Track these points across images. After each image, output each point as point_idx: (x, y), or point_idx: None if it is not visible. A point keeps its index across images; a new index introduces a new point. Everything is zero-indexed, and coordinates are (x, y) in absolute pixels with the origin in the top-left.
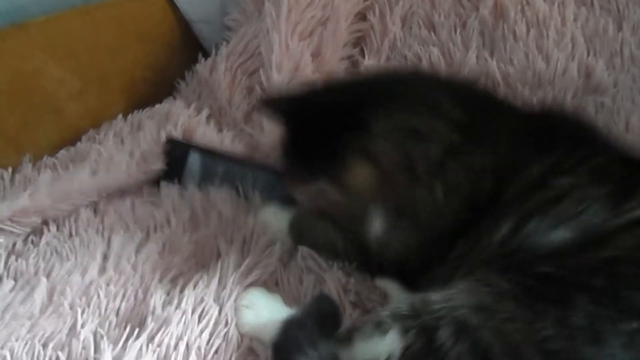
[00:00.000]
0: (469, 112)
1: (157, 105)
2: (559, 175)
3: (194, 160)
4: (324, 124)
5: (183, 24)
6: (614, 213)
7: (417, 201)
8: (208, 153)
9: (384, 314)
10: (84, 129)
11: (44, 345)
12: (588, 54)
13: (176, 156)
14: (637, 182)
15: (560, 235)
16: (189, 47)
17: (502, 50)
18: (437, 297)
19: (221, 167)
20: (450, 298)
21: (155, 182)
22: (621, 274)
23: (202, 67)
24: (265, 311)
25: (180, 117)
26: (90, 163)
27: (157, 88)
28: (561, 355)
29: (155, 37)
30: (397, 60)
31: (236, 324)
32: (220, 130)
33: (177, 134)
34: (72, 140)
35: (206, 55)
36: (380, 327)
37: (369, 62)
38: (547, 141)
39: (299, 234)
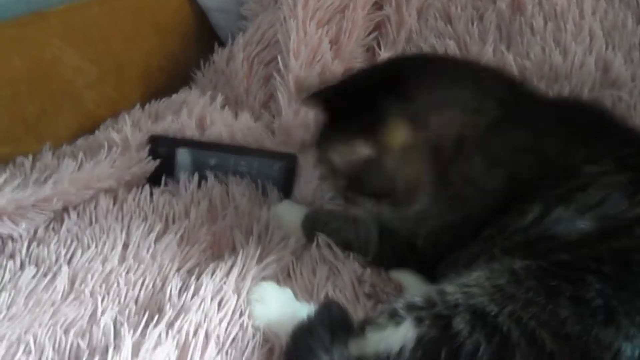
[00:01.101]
0: (508, 92)
1: (174, 95)
2: (588, 164)
3: (183, 155)
4: (365, 96)
5: (199, 13)
6: (631, 202)
7: (459, 173)
8: (196, 145)
9: (398, 305)
10: (102, 118)
11: (66, 332)
12: (606, 48)
13: (164, 153)
14: None
15: (581, 224)
16: (204, 36)
17: (519, 44)
18: (452, 289)
19: (212, 158)
20: (466, 286)
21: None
22: (631, 261)
23: (218, 56)
24: (276, 305)
25: (195, 106)
26: (108, 152)
27: (173, 77)
28: (577, 339)
29: (171, 26)
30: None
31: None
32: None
33: (192, 122)
34: (90, 128)
35: (222, 44)
36: (393, 318)
37: (385, 54)
38: (578, 129)
39: (312, 229)
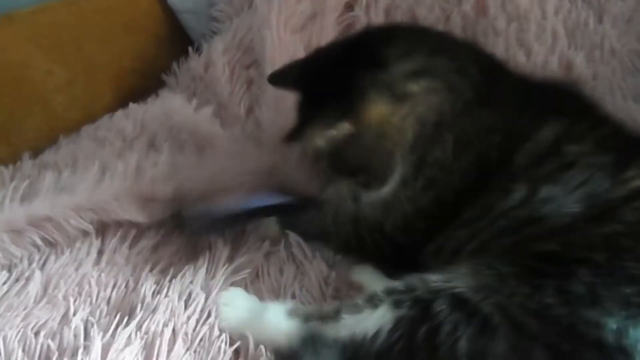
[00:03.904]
0: (483, 71)
1: (156, 102)
2: (570, 143)
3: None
4: (341, 70)
5: (170, 14)
6: (615, 182)
7: (431, 152)
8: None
9: (377, 289)
10: (73, 121)
11: (36, 334)
12: (569, 47)
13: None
14: (637, 152)
15: (571, 205)
16: (176, 38)
17: (483, 45)
18: (436, 277)
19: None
20: (450, 279)
21: None
22: (621, 248)
23: (195, 62)
24: (243, 309)
25: (185, 117)
26: (94, 172)
27: (145, 79)
28: (562, 320)
29: (142, 27)
30: None
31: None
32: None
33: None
34: (61, 131)
35: (194, 45)
36: (371, 301)
37: None
38: (556, 107)
39: (287, 220)
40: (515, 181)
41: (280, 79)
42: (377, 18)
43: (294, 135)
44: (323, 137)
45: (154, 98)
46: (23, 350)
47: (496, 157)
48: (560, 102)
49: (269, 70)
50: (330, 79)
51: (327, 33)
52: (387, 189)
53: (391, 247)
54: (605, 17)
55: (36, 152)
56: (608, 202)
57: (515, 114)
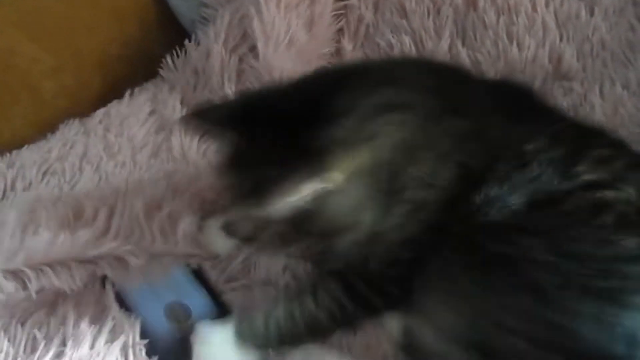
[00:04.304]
0: (439, 79)
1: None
2: (526, 143)
3: None
4: (287, 123)
5: (159, 1)
6: (564, 177)
7: (408, 177)
8: None
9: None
10: (61, 108)
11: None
12: (560, 40)
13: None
14: (588, 145)
15: (512, 201)
16: (166, 24)
17: (472, 39)
18: None
19: None
20: None
21: None
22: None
23: (195, 52)
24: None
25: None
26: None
27: (134, 66)
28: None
29: (130, 13)
30: (370, 49)
31: None
32: None
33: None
34: (49, 119)
35: (183, 32)
36: None
37: (349, 45)
38: (513, 109)
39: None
40: (478, 190)
41: (206, 114)
42: (367, 10)
43: (251, 201)
44: (279, 204)
45: (143, 88)
46: (8, 341)
47: (477, 165)
48: (517, 103)
49: (265, 48)
50: (281, 126)
51: (326, 10)
52: (362, 231)
53: (379, 292)
54: (596, 8)
55: (24, 141)
56: (550, 195)
57: (483, 120)
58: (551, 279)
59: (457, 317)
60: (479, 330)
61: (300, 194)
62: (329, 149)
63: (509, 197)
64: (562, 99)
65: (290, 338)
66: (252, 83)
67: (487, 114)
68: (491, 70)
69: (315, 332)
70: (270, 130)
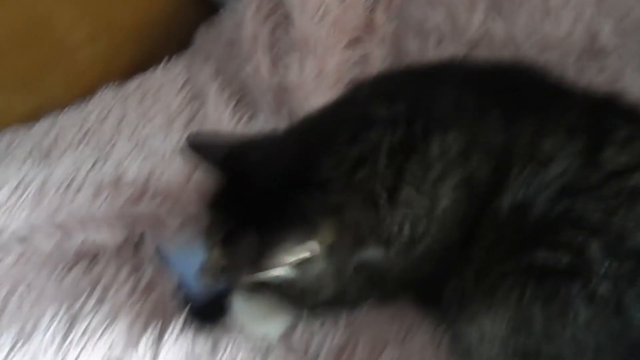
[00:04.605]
0: (410, 101)
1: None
2: (543, 139)
3: None
4: (273, 185)
5: None
6: (591, 168)
7: (402, 216)
8: None
9: None
10: (96, 76)
11: None
12: (596, 16)
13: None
14: (605, 128)
15: (546, 199)
16: None
17: (507, 12)
18: None
19: None
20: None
21: None
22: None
23: (228, 22)
24: None
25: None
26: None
27: (168, 36)
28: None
29: None
30: (403, 22)
31: None
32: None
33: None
34: (84, 86)
35: (218, 2)
36: None
37: (382, 16)
38: (517, 104)
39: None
40: (502, 192)
41: (201, 146)
42: None
43: (253, 266)
44: (264, 269)
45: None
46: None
47: (484, 174)
48: (519, 95)
49: (300, 16)
50: (266, 187)
51: None
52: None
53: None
54: None
55: (61, 108)
56: (582, 188)
57: (482, 125)
58: (608, 286)
59: (503, 324)
60: (525, 337)
61: (288, 261)
62: (318, 222)
63: (538, 197)
64: (595, 77)
65: (321, 304)
66: (285, 52)
67: (481, 118)
68: (525, 45)
69: (341, 302)
70: (259, 183)
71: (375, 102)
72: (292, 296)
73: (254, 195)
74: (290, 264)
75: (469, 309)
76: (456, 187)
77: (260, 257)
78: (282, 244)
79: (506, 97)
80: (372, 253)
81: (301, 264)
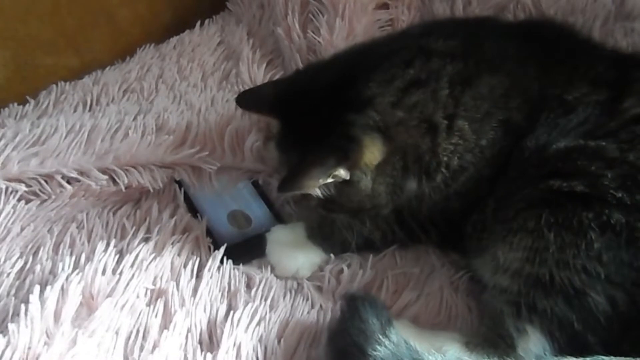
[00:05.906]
0: (463, 40)
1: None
2: (569, 89)
3: None
4: (322, 109)
5: None
6: (613, 115)
7: (448, 148)
8: None
9: None
10: (135, 36)
11: None
12: None
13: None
14: (630, 80)
15: (568, 143)
16: None
17: None
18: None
19: None
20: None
21: None
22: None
23: None
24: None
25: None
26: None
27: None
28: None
29: None
30: None
31: None
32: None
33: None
34: (124, 46)
35: None
36: None
37: None
38: (548, 57)
39: (323, 238)
40: (527, 140)
41: (250, 101)
42: None
43: (287, 185)
44: (319, 186)
45: (212, 20)
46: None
47: (520, 118)
48: (551, 48)
49: None
50: (312, 114)
51: None
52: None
53: (435, 229)
54: None
55: (105, 63)
56: (602, 133)
57: (520, 74)
58: (621, 217)
59: (518, 252)
60: (538, 265)
61: (327, 177)
62: (360, 139)
63: (560, 141)
64: (622, 39)
65: (349, 247)
66: (315, 15)
67: (521, 66)
68: (551, 9)
69: (369, 246)
70: (303, 116)
71: (429, 38)
72: (339, 210)
73: (302, 123)
74: (326, 185)
75: (486, 241)
76: (496, 126)
77: (295, 177)
78: (314, 168)
79: (541, 49)
80: (410, 185)
81: (342, 185)
